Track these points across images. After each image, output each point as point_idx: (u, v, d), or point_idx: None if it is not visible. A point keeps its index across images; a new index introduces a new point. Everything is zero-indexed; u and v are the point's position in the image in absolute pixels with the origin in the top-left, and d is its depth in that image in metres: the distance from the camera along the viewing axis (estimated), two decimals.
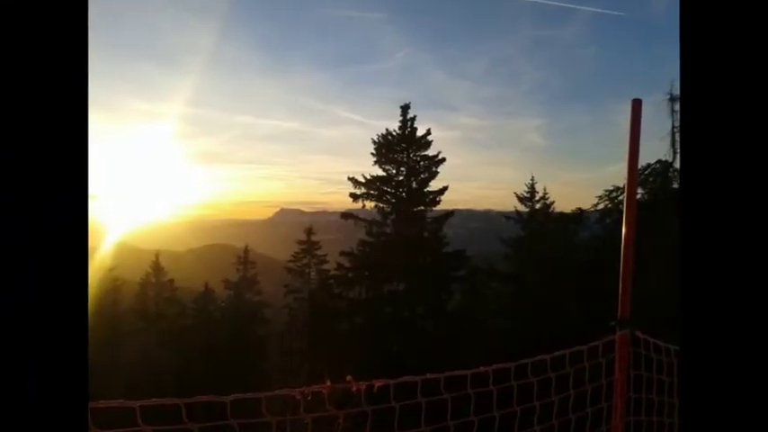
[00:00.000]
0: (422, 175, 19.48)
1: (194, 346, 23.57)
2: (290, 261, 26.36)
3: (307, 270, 26.01)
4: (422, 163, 19.49)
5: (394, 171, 19.48)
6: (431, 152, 19.47)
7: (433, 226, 19.61)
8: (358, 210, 19.84)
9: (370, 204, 19.44)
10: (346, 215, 19.51)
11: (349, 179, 19.42)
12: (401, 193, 19.47)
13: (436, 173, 19.47)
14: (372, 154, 19.48)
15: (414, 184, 19.46)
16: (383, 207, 19.47)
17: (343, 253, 19.61)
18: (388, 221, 19.44)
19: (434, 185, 19.54)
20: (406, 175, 19.41)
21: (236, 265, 25.85)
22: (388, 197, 19.53)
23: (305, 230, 26.99)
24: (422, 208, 19.56)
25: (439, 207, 19.60)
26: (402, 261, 18.71)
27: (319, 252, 26.59)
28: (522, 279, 18.58)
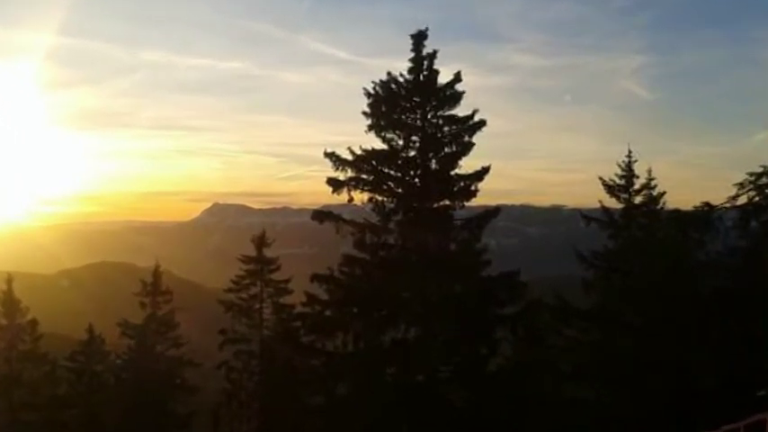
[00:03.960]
0: (447, 149, 19.44)
1: (72, 429, 23.48)
2: (230, 290, 26.33)
3: (256, 305, 25.99)
4: (447, 128, 19.47)
5: (401, 142, 19.45)
6: (461, 111, 19.47)
7: (465, 232, 19.57)
8: (341, 206, 19.78)
9: (360, 197, 19.40)
10: (322, 214, 19.42)
11: (326, 155, 19.38)
12: (413, 177, 19.42)
13: (471, 145, 19.44)
14: (365, 114, 19.48)
15: (434, 164, 19.45)
16: (383, 201, 19.45)
17: (316, 277, 19.53)
18: (392, 225, 19.39)
19: (468, 165, 19.56)
20: (420, 149, 19.37)
21: (140, 296, 25.81)
22: (392, 185, 19.50)
23: (253, 240, 27.01)
24: (447, 203, 19.51)
25: (475, 201, 19.58)
26: (414, 290, 18.62)
27: (277, 276, 26.57)
28: (612, 320, 18.54)
